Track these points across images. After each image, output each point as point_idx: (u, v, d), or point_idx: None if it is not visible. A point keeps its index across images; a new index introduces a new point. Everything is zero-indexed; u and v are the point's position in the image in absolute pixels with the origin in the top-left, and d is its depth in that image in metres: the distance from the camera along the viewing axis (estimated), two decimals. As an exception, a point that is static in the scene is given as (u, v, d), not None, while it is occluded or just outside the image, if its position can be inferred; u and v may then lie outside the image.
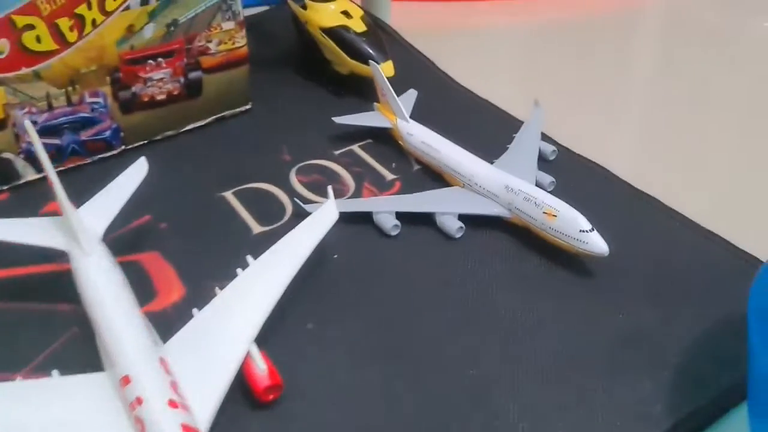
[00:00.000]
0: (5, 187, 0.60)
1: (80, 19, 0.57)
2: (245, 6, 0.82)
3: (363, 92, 0.70)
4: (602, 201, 0.57)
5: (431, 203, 0.55)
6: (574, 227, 0.49)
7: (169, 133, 0.66)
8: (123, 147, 0.64)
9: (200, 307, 0.44)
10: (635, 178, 0.60)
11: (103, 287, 0.42)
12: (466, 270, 0.51)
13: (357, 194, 0.59)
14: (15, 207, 0.58)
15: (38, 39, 0.56)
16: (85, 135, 0.61)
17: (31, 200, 0.58)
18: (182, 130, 0.66)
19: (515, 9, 0.93)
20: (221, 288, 0.45)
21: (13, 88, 0.57)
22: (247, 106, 0.70)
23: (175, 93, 0.65)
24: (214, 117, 0.68)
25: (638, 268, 0.51)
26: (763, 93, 0.76)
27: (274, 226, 0.56)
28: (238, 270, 0.46)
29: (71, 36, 0.57)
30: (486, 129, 0.67)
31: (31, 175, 0.60)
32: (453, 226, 0.53)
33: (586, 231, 0.48)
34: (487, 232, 0.54)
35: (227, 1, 0.63)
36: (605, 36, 0.88)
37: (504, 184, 0.53)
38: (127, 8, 0.58)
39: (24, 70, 0.56)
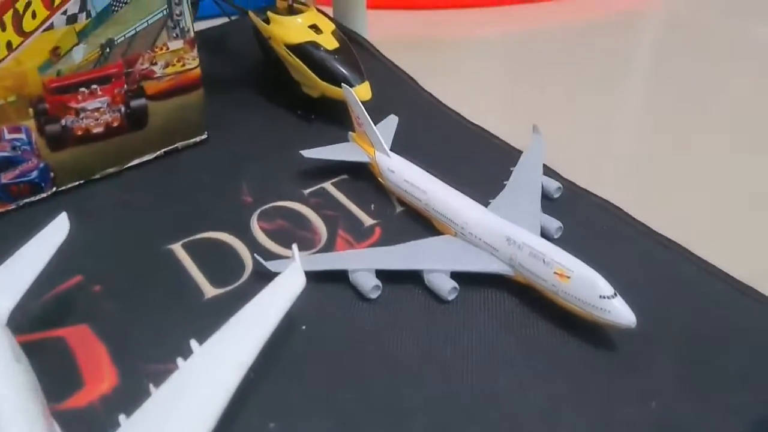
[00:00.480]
0: None
1: (-8, 41, 0.47)
2: (199, 18, 0.74)
3: (337, 117, 0.61)
4: (619, 250, 0.48)
5: (418, 258, 0.46)
6: (593, 292, 0.40)
7: (111, 170, 0.57)
8: (54, 189, 0.54)
9: (130, 407, 0.35)
10: (650, 215, 0.51)
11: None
12: (462, 342, 0.42)
13: (329, 245, 0.50)
14: None
15: (-60, 67, 0.46)
16: (6, 177, 0.52)
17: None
18: (126, 166, 0.57)
19: (500, 17, 0.84)
20: (156, 386, 0.35)
21: None
22: (203, 137, 0.60)
23: (115, 124, 0.55)
24: (164, 150, 0.59)
25: (669, 337, 0.42)
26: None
27: (231, 287, 0.47)
28: (179, 360, 0.36)
29: (-18, 62, 0.48)
30: (479, 160, 0.58)
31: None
32: (445, 286, 0.44)
33: (608, 297, 0.40)
34: (485, 292, 0.45)
35: (173, 17, 0.54)
36: (598, 44, 0.79)
37: (505, 236, 0.44)
38: (50, 27, 0.49)
39: (-76, 105, 0.47)
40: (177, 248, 0.50)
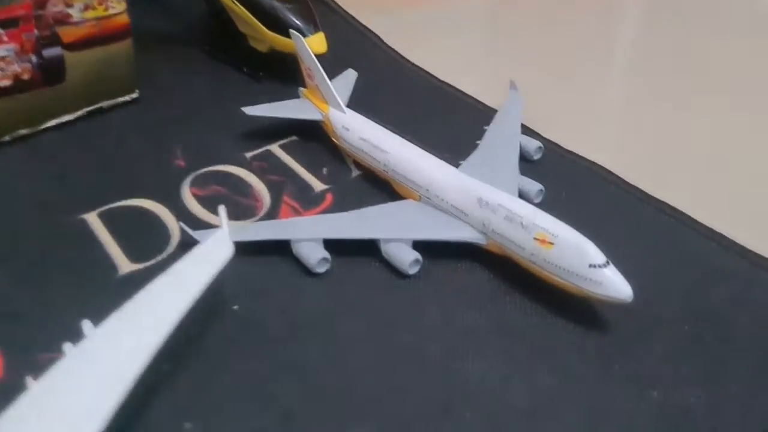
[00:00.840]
0: None
1: None
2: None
3: (290, 75, 0.53)
4: (610, 217, 0.41)
5: (374, 225, 0.39)
6: (581, 260, 0.33)
7: (23, 132, 0.49)
8: (-47, 152, 0.47)
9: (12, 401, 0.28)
10: (643, 179, 0.45)
11: None
12: (425, 324, 0.35)
13: (273, 213, 0.43)
14: None
15: None
16: None
17: None
18: (41, 128, 0.49)
19: None
20: (35, 378, 0.28)
21: None
22: (134, 95, 0.53)
23: (26, 77, 0.47)
24: (86, 110, 0.51)
25: (671, 315, 0.35)
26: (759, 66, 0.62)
27: (151, 262, 0.39)
28: (66, 346, 0.29)
29: None
30: (449, 121, 0.51)
31: None
32: (405, 258, 0.37)
33: (599, 266, 0.33)
34: (453, 264, 0.38)
35: (92, -50, 0.46)
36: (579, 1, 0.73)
37: (476, 197, 0.37)
38: (-63, -45, 0.41)
39: None
40: (92, 218, 0.42)
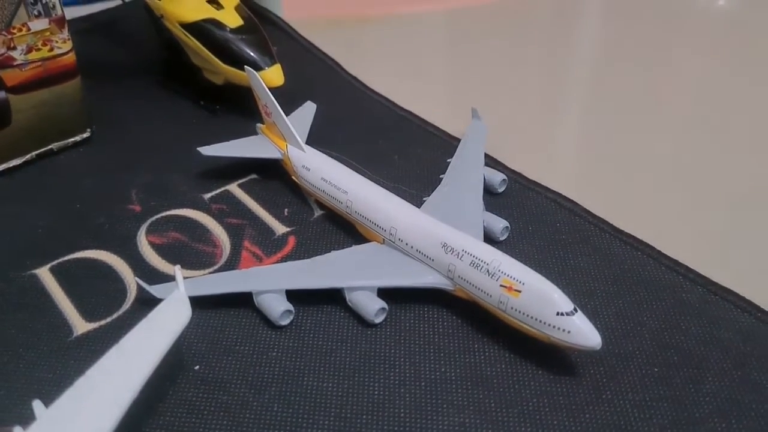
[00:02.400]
0: None
1: None
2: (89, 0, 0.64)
3: (248, 108, 0.52)
4: (576, 252, 0.41)
5: (337, 273, 0.38)
6: (549, 309, 0.33)
7: (-33, 179, 0.47)
8: None
9: None
10: (609, 210, 0.44)
11: None
12: (393, 377, 0.34)
13: (233, 260, 0.41)
14: None
15: None
16: None
17: None
18: (-14, 174, 0.48)
19: None
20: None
21: None
22: (84, 135, 0.51)
23: (-32, 123, 0.45)
24: (35, 153, 0.49)
25: (639, 354, 0.35)
26: (722, 75, 0.62)
27: (108, 320, 0.38)
28: (16, 430, 0.27)
29: None
30: (411, 153, 0.50)
31: None
32: (371, 307, 0.36)
33: (566, 314, 0.32)
34: (420, 310, 0.38)
35: (34, -10, 0.44)
36: (538, 19, 0.72)
37: (440, 241, 0.37)
38: None
39: None
40: (43, 273, 0.41)
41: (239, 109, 0.53)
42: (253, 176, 0.48)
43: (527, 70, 0.63)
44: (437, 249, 0.37)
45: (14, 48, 0.45)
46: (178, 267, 0.35)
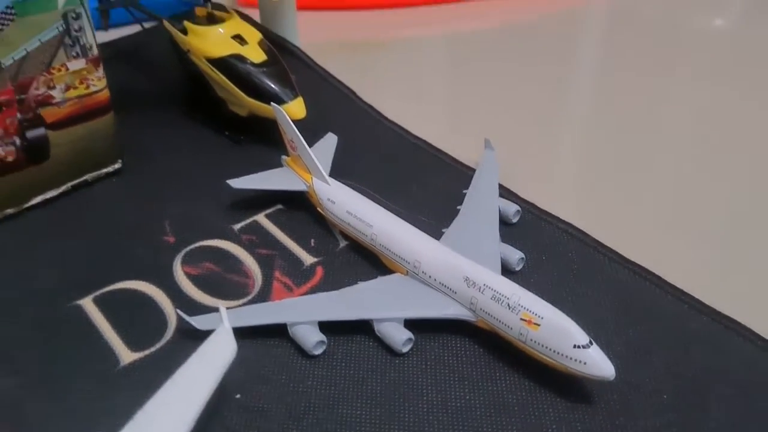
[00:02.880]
0: None
1: None
2: (113, 25, 0.66)
3: (271, 138, 0.54)
4: (588, 282, 0.43)
5: (366, 306, 0.40)
6: (566, 342, 0.35)
7: (9, 211, 0.49)
8: (-60, 238, 0.47)
9: None
10: (619, 240, 0.47)
11: None
12: (423, 404, 0.37)
13: (265, 290, 0.44)
14: None
15: None
16: None
17: None
18: (26, 206, 0.50)
19: (435, 16, 0.79)
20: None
21: None
22: (116, 166, 0.53)
23: (10, 159, 0.48)
24: (70, 185, 0.51)
25: (649, 382, 0.38)
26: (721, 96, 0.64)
27: (151, 350, 0.40)
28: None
29: None
30: (426, 181, 0.52)
31: None
32: (398, 338, 0.39)
33: (583, 347, 0.35)
34: (445, 340, 0.40)
35: (71, 33, 0.47)
36: (545, 43, 0.74)
37: (462, 276, 0.39)
38: None
39: None
40: (87, 303, 0.43)
41: (262, 139, 0.56)
42: (279, 207, 0.50)
43: (537, 96, 0.65)
44: (460, 283, 0.39)
45: (54, 87, 0.48)
46: (222, 307, 0.37)
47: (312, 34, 0.71)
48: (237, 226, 0.49)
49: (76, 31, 0.47)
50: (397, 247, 0.43)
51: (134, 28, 0.69)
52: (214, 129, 0.58)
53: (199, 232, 0.48)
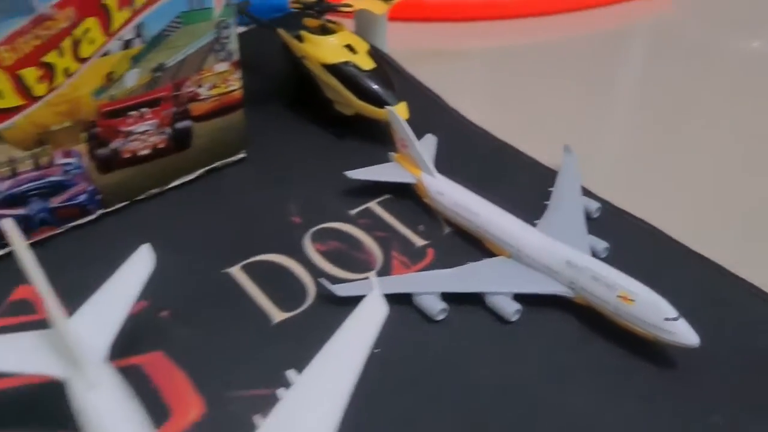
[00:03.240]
0: (-41, 268, 0.50)
1: (49, 68, 0.47)
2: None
3: (368, 134, 0.63)
4: (665, 275, 0.49)
5: (480, 281, 0.48)
6: (658, 315, 0.43)
7: (154, 191, 0.57)
8: (101, 211, 0.54)
9: None
10: (689, 236, 0.54)
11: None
12: (530, 364, 0.45)
13: (386, 267, 0.51)
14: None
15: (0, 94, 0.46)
16: (55, 201, 0.51)
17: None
18: (168, 186, 0.57)
19: (514, 28, 0.86)
20: (262, 414, 0.36)
21: (-31, 154, 0.46)
22: (242, 155, 0.61)
23: (162, 146, 0.55)
24: (205, 169, 0.59)
25: (726, 356, 0.45)
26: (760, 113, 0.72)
27: (297, 312, 0.48)
28: (280, 390, 0.37)
29: (39, 89, 0.47)
30: (512, 179, 0.60)
31: (-10, 251, 0.50)
32: (509, 308, 0.46)
33: (672, 319, 0.43)
34: (546, 312, 0.48)
35: (221, 40, 0.54)
36: (625, 55, 0.82)
37: (564, 259, 0.47)
38: (106, 53, 0.49)
39: (-18, 133, 0.46)
40: (235, 271, 0.51)
41: (362, 135, 0.64)
42: (388, 196, 0.58)
43: (610, 103, 0.72)
44: (561, 265, 0.47)
45: (201, 86, 0.55)
46: (373, 274, 0.45)
47: (397, 43, 0.79)
48: (353, 212, 0.56)
49: (224, 39, 0.55)
50: (502, 233, 0.50)
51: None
52: (318, 125, 0.66)
53: (321, 214, 0.56)
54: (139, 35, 0.49)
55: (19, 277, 0.48)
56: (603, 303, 0.45)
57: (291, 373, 0.38)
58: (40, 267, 0.38)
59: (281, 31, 0.66)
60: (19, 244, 0.35)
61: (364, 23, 0.74)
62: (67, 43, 0.47)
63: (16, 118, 0.47)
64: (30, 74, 0.46)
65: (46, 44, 0.46)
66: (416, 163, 0.56)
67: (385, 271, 0.51)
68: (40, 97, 0.47)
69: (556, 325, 0.47)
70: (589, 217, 0.55)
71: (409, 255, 0.52)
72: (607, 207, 0.56)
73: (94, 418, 0.34)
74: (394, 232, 0.55)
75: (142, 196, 0.56)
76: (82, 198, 0.53)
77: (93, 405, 0.34)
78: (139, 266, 0.42)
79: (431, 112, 0.69)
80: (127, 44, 0.49)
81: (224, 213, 0.56)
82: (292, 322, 0.47)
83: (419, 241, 0.54)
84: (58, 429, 0.38)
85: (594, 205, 0.55)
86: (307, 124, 0.66)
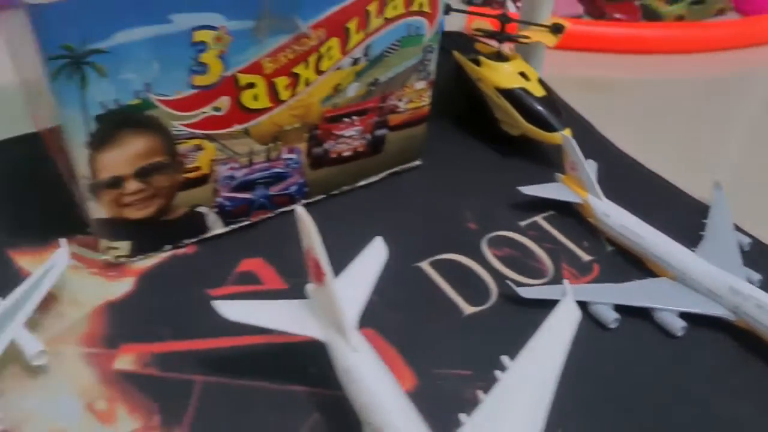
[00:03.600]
0: (193, 240, 0.58)
1: (295, 77, 0.55)
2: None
3: (528, 153, 0.69)
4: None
5: (650, 297, 0.54)
6: (819, 343, 0.48)
7: (346, 187, 0.64)
8: (303, 201, 0.62)
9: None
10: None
11: (384, 391, 0.40)
12: (699, 373, 0.50)
13: (556, 276, 0.58)
14: (205, 261, 0.57)
15: (255, 97, 0.54)
16: (274, 189, 0.60)
17: (221, 255, 0.57)
18: (358, 185, 0.65)
19: (669, 63, 0.92)
20: (484, 391, 0.43)
21: (222, 144, 0.55)
22: (418, 162, 0.68)
23: (360, 149, 0.63)
24: (388, 172, 0.66)
25: None
26: None
27: (484, 307, 0.55)
28: (497, 372, 0.44)
29: (285, 94, 0.55)
30: (663, 209, 0.65)
31: (218, 228, 0.59)
32: (677, 324, 0.52)
33: (832, 349, 0.48)
34: (707, 331, 0.53)
35: (424, 62, 0.62)
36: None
37: (728, 286, 0.53)
38: (339, 68, 0.56)
39: (236, 127, 0.54)
40: (425, 266, 0.58)
41: (523, 154, 0.70)
42: (552, 212, 0.64)
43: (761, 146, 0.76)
44: (725, 290, 0.53)
45: (401, 100, 0.63)
46: (567, 281, 0.51)
47: (550, 69, 0.85)
48: (522, 223, 0.63)
49: (427, 60, 0.62)
50: (667, 256, 0.56)
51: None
52: (482, 141, 0.73)
53: (494, 222, 0.63)
54: (365, 54, 0.57)
55: (242, 251, 0.58)
56: (767, 329, 0.51)
57: (505, 359, 0.45)
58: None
59: (457, 54, 0.73)
60: (310, 226, 0.42)
61: (524, 49, 0.80)
62: (312, 58, 0.54)
63: (263, 118, 0.55)
64: (281, 82, 0.54)
65: (297, 58, 0.54)
66: (584, 185, 0.63)
67: (556, 280, 0.58)
68: (284, 101, 0.55)
69: (719, 345, 0.53)
70: (741, 250, 0.60)
71: (577, 268, 0.59)
72: (756, 243, 0.62)
73: (361, 376, 0.41)
74: (562, 245, 0.61)
75: (336, 192, 0.64)
76: (293, 189, 0.61)
77: (358, 365, 0.42)
78: (375, 254, 0.49)
79: (582, 140, 0.74)
80: (355, 61, 0.57)
81: (406, 213, 0.63)
82: (480, 315, 0.54)
83: (585, 256, 0.60)
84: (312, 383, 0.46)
85: (745, 240, 0.61)
86: (472, 139, 0.73)
